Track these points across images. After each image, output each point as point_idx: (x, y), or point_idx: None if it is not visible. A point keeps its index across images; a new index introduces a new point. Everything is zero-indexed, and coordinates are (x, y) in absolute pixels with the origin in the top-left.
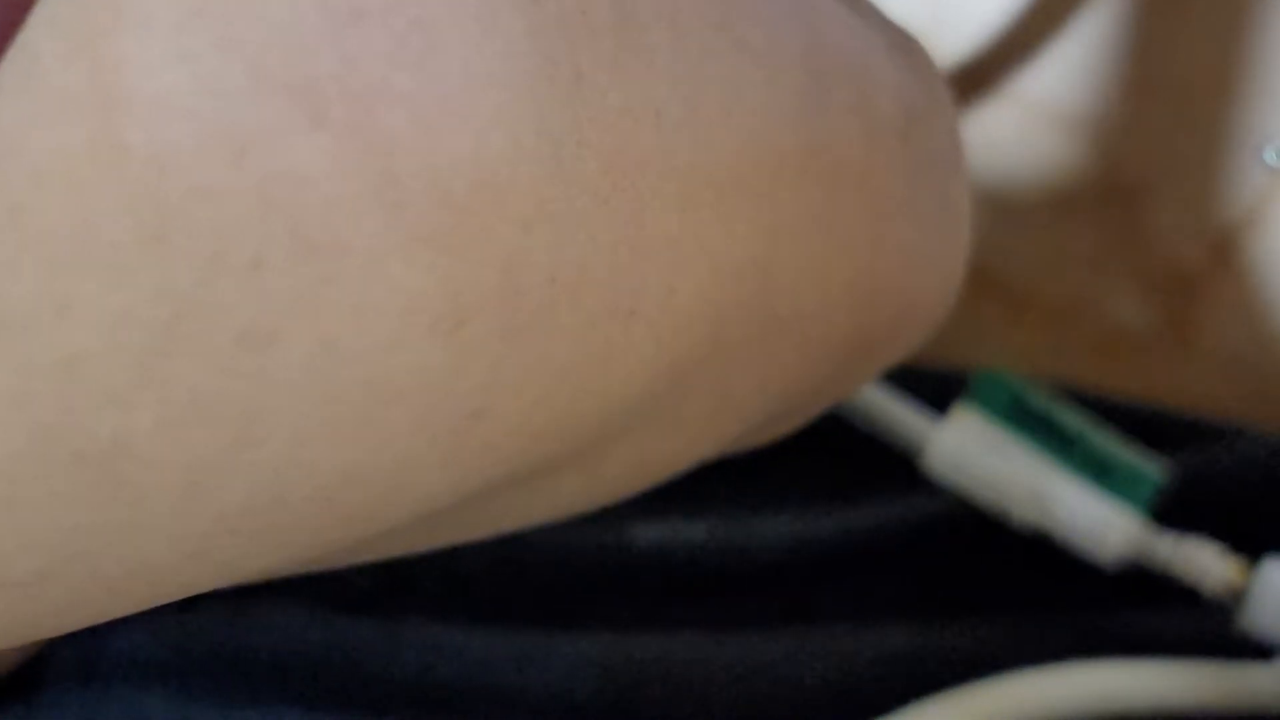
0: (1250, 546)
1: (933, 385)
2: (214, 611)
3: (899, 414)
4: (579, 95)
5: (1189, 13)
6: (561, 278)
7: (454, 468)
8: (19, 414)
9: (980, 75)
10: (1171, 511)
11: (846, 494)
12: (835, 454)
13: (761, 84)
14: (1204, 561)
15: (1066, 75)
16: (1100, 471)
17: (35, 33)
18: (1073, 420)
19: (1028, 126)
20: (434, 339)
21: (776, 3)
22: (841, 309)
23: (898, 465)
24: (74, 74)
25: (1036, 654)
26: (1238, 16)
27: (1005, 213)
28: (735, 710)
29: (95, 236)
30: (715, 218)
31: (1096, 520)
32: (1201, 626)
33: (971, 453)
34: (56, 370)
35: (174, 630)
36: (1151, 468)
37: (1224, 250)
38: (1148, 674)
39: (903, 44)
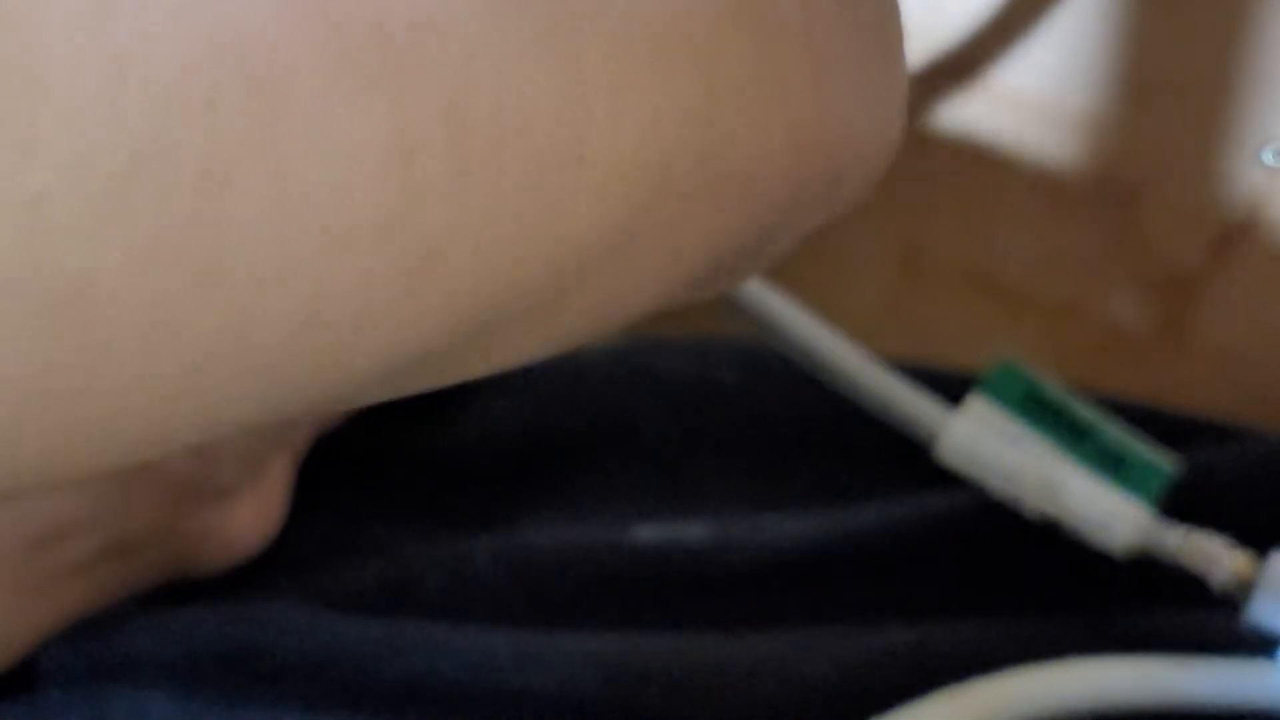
0: (1251, 546)
1: (933, 385)
2: (215, 611)
3: (913, 402)
4: None
5: (1188, 13)
6: (506, 120)
7: (414, 313)
8: None
9: (979, 75)
10: (1172, 510)
11: (848, 494)
12: (838, 454)
13: None
14: (1212, 553)
15: (1065, 75)
16: (1112, 463)
17: None
18: (1085, 412)
19: (1026, 127)
20: (383, 179)
21: None
22: (785, 161)
23: (900, 465)
24: None
25: (1038, 653)
26: (1237, 17)
27: (1003, 213)
28: (736, 709)
29: (50, 77)
30: (653, 68)
31: (1107, 510)
32: (1207, 627)
33: (984, 441)
34: (20, 210)
35: (175, 630)
36: (1163, 461)
37: (1222, 250)
38: (1150, 670)
39: None
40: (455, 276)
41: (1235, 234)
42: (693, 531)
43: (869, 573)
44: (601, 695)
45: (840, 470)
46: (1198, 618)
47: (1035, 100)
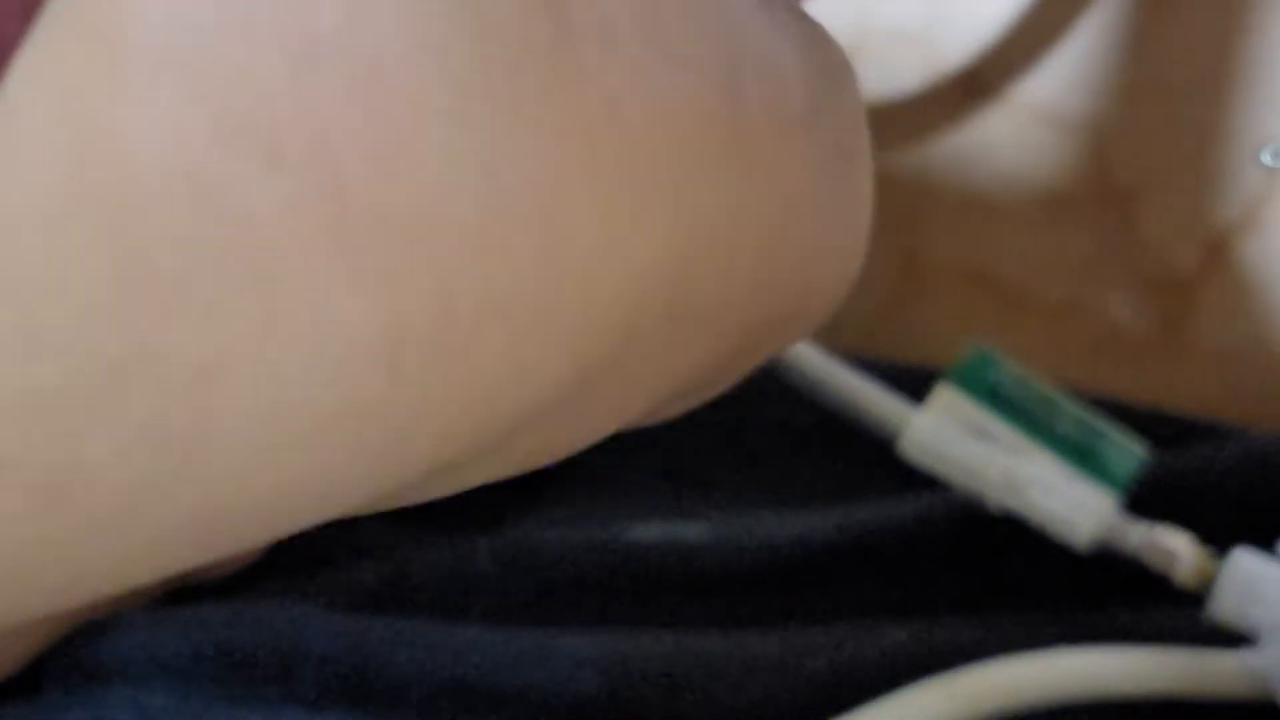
0: (1219, 544)
1: (929, 385)
2: (216, 611)
3: (875, 400)
4: (516, 124)
5: (1185, 14)
6: (491, 301)
7: (378, 478)
8: None
9: (978, 78)
10: (1165, 508)
11: (846, 494)
12: (835, 454)
13: (684, 89)
14: (1174, 549)
15: (1063, 77)
16: (1081, 454)
17: (13, 82)
18: (1057, 401)
19: (1024, 129)
20: (372, 366)
21: (701, 4)
22: (747, 300)
23: (898, 465)
24: (50, 122)
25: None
26: (1234, 18)
27: (1001, 215)
28: (735, 709)
29: (67, 276)
30: (633, 224)
31: (1070, 504)
32: (1196, 625)
33: (947, 437)
34: (18, 401)
35: (176, 630)
36: (1135, 450)
37: (1220, 252)
38: (1116, 660)
39: (809, 38)
40: (422, 446)
41: (1234, 235)
42: (693, 531)
43: (868, 572)
44: (601, 695)
45: (840, 470)
46: (1190, 617)
47: (1034, 101)
